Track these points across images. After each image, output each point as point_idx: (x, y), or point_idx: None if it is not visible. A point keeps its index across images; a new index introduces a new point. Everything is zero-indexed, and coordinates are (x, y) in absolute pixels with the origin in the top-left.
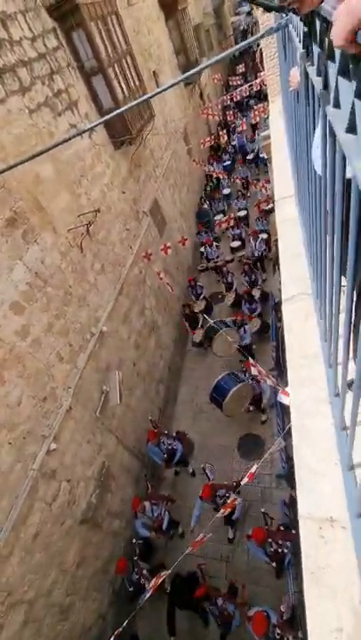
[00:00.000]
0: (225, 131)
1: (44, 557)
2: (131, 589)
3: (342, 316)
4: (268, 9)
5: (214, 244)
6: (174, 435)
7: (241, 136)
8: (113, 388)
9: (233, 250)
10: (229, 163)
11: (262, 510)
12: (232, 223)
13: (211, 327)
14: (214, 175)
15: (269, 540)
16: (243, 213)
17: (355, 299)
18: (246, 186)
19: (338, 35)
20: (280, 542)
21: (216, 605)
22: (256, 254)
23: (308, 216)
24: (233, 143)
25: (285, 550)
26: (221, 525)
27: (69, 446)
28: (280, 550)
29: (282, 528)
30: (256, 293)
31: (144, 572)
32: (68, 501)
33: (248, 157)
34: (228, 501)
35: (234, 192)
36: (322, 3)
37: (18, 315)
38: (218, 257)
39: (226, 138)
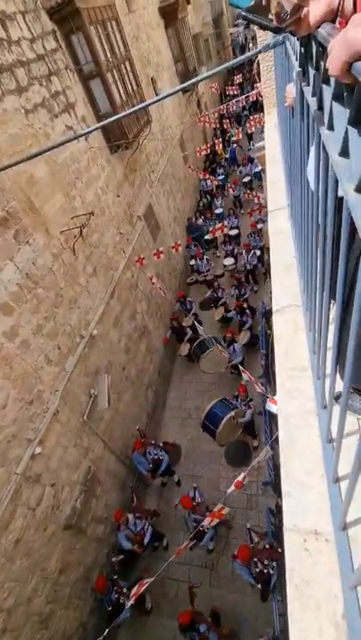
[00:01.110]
0: (220, 139)
1: (25, 564)
2: (110, 608)
3: (331, 329)
4: (264, 28)
5: (205, 257)
6: (161, 445)
7: (234, 149)
8: (101, 391)
9: (225, 266)
10: (223, 177)
11: (248, 527)
12: (225, 231)
13: (199, 343)
14: (213, 182)
15: (255, 559)
16: (234, 232)
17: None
18: (239, 204)
19: (333, 65)
20: (266, 562)
21: (198, 632)
22: (248, 267)
23: (299, 229)
24: (226, 156)
25: (271, 571)
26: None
27: (55, 450)
28: (266, 571)
29: (268, 546)
30: (245, 304)
31: (124, 590)
32: (52, 506)
33: (244, 180)
34: (215, 510)
35: (226, 210)
36: (318, 28)
37: (6, 315)
38: (208, 270)
39: (221, 147)
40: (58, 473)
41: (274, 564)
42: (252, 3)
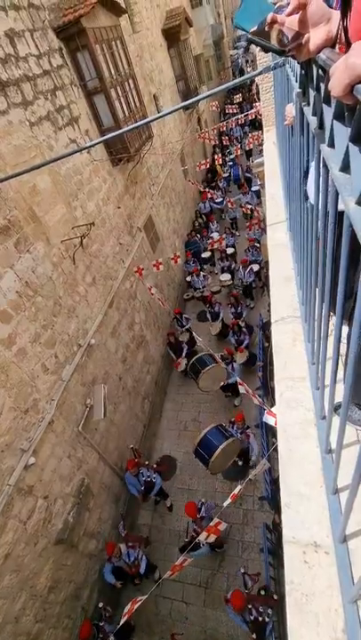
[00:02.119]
0: (220, 154)
1: (14, 580)
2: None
3: (330, 340)
4: (268, 50)
5: (201, 273)
6: (154, 466)
7: (236, 167)
8: (97, 401)
9: (222, 282)
10: (221, 200)
11: (242, 571)
12: (222, 245)
13: (197, 359)
14: (211, 196)
15: (249, 606)
16: (230, 251)
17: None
18: (235, 226)
19: (336, 87)
20: (261, 609)
21: None
22: (244, 282)
23: (298, 242)
24: (225, 175)
25: (267, 618)
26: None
27: (49, 461)
28: (261, 618)
29: (263, 592)
30: (241, 322)
31: (110, 638)
32: (43, 519)
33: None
34: (212, 524)
35: (222, 230)
36: (319, 53)
37: (4, 323)
38: (204, 287)
39: (220, 163)
40: (51, 485)
41: (269, 610)
42: (256, 27)
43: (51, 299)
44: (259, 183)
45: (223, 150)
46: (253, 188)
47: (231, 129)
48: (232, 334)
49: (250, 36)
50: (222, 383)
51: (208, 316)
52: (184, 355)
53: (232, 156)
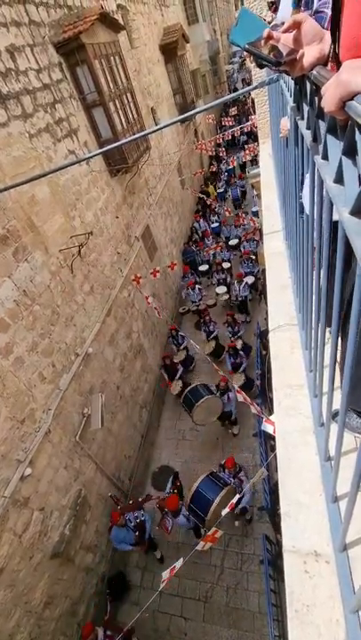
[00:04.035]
0: (216, 164)
1: (8, 596)
2: None
3: (327, 348)
4: (262, 61)
5: (197, 287)
6: (140, 500)
7: (235, 189)
8: (95, 411)
9: (218, 295)
10: (217, 225)
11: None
12: (220, 249)
13: (190, 391)
14: (210, 201)
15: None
16: (227, 265)
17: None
18: (231, 248)
19: (329, 102)
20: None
21: None
22: (240, 298)
23: (294, 251)
24: (220, 190)
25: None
26: (202, 562)
27: (45, 472)
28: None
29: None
30: (238, 344)
31: None
32: (39, 532)
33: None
34: (209, 532)
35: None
36: (312, 70)
37: (2, 332)
38: (200, 300)
39: (212, 188)
40: (47, 496)
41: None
42: (252, 40)
43: (48, 307)
44: (256, 204)
45: (219, 162)
46: (254, 209)
47: (227, 141)
48: (228, 357)
49: (247, 47)
50: (218, 414)
51: (203, 333)
52: (178, 376)
53: (229, 166)
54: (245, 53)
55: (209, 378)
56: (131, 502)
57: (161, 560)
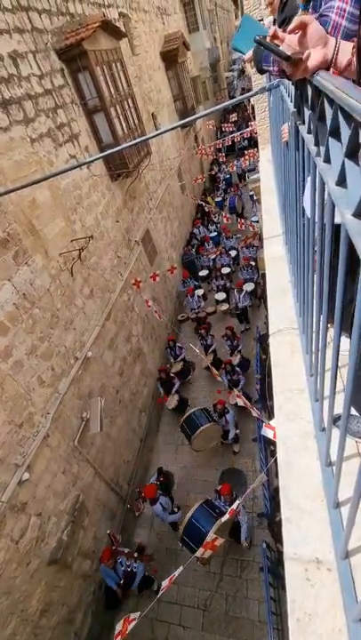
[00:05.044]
0: (216, 168)
1: (4, 604)
2: None
3: (328, 352)
4: (275, 53)
5: (196, 294)
6: (135, 554)
7: (233, 197)
8: (94, 415)
9: (218, 302)
10: (216, 234)
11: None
12: (221, 253)
13: (186, 419)
14: (208, 208)
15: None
16: (226, 270)
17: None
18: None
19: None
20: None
21: None
22: (240, 306)
23: (295, 255)
24: (218, 199)
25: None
26: (201, 570)
27: (43, 477)
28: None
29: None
30: (236, 359)
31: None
32: (36, 538)
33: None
34: (208, 539)
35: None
36: (314, 73)
37: (1, 335)
38: (199, 307)
39: (211, 199)
40: (45, 501)
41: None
42: (253, 49)
43: (48, 311)
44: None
45: (219, 167)
46: (253, 219)
47: (227, 146)
48: (225, 374)
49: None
50: (218, 440)
51: (201, 347)
52: (174, 390)
53: (228, 170)
54: (243, 62)
55: (206, 391)
56: (127, 551)
57: (157, 591)
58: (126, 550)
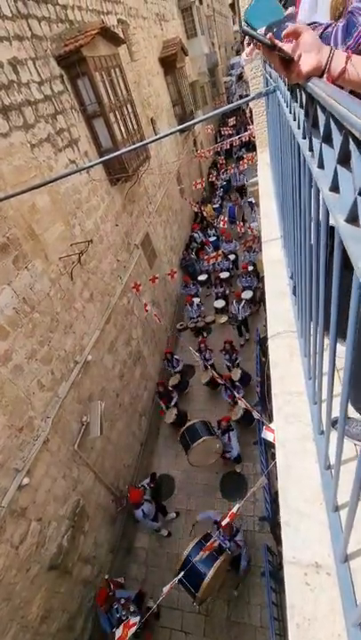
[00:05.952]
0: (215, 173)
1: (4, 610)
2: None
3: (326, 355)
4: (260, 42)
5: (195, 303)
6: (132, 597)
7: (233, 206)
8: (94, 419)
9: (217, 310)
10: (215, 239)
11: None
12: (220, 258)
13: (187, 429)
14: (207, 214)
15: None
16: (225, 275)
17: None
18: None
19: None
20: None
21: None
22: (240, 317)
23: (293, 258)
24: (215, 206)
25: None
26: None
27: (43, 481)
28: None
29: None
30: (236, 374)
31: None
32: (36, 544)
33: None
34: (209, 544)
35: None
36: (308, 79)
37: (1, 339)
38: (198, 316)
39: (209, 208)
40: (45, 506)
41: None
42: (268, 24)
43: (48, 315)
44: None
45: (218, 171)
46: (253, 224)
47: (226, 150)
48: (224, 390)
49: (245, 28)
50: (218, 456)
51: (200, 362)
52: (173, 404)
53: (226, 175)
54: (242, 67)
55: (201, 403)
56: (123, 601)
57: (157, 616)
58: (123, 600)
